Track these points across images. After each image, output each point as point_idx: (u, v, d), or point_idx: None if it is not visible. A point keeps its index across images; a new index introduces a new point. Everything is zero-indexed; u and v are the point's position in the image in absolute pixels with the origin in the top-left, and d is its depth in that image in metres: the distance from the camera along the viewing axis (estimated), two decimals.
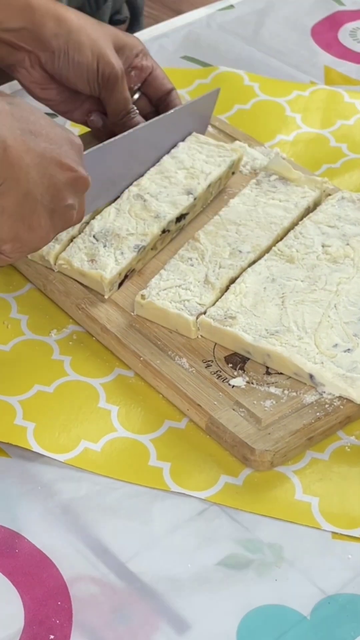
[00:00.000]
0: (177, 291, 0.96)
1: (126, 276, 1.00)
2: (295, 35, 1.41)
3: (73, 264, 0.99)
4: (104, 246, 1.00)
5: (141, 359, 0.93)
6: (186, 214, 1.05)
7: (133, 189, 1.06)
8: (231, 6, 1.46)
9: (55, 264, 1.01)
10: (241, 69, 1.32)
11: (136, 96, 1.14)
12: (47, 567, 0.81)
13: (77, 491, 0.86)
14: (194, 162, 1.09)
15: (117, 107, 1.10)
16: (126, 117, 1.11)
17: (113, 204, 1.04)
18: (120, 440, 0.90)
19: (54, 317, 1.00)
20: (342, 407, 0.90)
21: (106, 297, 0.98)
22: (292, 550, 0.83)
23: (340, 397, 0.90)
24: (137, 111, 1.12)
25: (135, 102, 1.13)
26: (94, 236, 1.01)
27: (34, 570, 0.81)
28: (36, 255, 1.02)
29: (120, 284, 1.00)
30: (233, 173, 1.12)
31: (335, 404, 0.90)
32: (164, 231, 1.03)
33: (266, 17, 1.44)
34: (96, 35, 1.09)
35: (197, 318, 0.95)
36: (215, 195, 1.11)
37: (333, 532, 0.84)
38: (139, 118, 1.11)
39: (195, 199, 1.06)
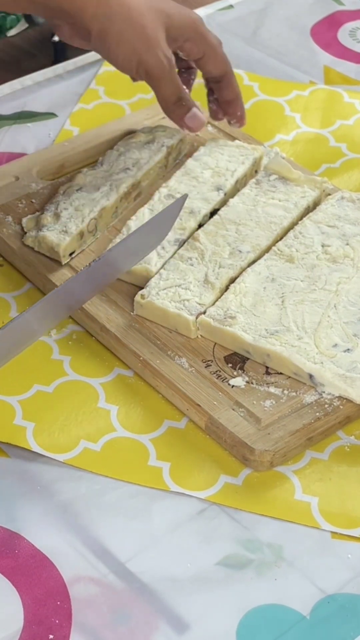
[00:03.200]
0: (176, 291, 0.96)
1: None
2: (295, 35, 1.41)
3: None
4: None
5: (141, 358, 0.93)
6: (218, 209, 1.07)
7: (163, 190, 1.07)
8: (230, 6, 1.46)
9: (63, 257, 1.01)
10: (241, 69, 1.32)
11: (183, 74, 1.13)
12: (46, 567, 0.81)
13: (77, 491, 0.86)
14: (217, 162, 1.11)
15: (165, 98, 1.07)
16: (176, 106, 1.08)
17: (146, 205, 1.06)
18: (120, 440, 0.90)
19: None
20: (341, 407, 0.90)
21: None
22: (291, 550, 0.83)
23: (339, 397, 0.90)
24: (189, 98, 1.08)
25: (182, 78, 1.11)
26: None
27: (34, 570, 0.81)
28: (45, 247, 1.02)
29: None
30: (256, 171, 1.13)
31: (334, 404, 0.90)
32: (199, 225, 1.04)
33: (265, 17, 1.44)
34: (141, 23, 1.03)
35: (196, 318, 0.95)
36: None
37: (332, 532, 0.84)
38: (191, 103, 1.08)
39: (225, 194, 1.07)
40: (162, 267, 0.99)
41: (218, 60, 1.10)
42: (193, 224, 1.04)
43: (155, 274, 0.98)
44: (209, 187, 1.08)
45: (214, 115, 1.15)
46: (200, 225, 1.05)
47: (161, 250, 1.01)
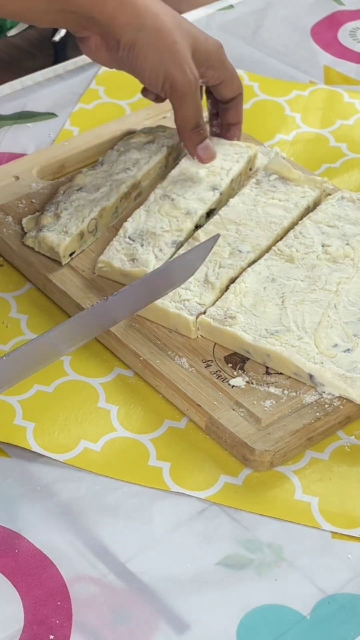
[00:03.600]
0: (176, 291, 0.96)
1: None
2: (295, 35, 1.41)
3: (114, 264, 0.99)
4: (142, 245, 1.01)
5: (141, 358, 0.93)
6: (214, 209, 1.06)
7: (158, 190, 1.07)
8: (231, 6, 1.46)
9: (63, 257, 1.01)
10: (241, 69, 1.32)
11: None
12: (47, 567, 0.81)
13: (77, 491, 0.86)
14: (212, 160, 1.10)
15: (184, 120, 1.06)
16: (193, 132, 1.07)
17: (142, 206, 1.05)
18: (120, 440, 0.90)
19: (53, 317, 1.00)
20: (341, 407, 0.90)
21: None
22: (291, 550, 0.83)
23: (340, 397, 0.90)
24: (206, 127, 1.08)
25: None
26: (129, 237, 1.02)
27: (34, 570, 0.81)
28: (45, 248, 1.02)
29: None
30: (250, 169, 1.13)
31: (335, 404, 0.90)
32: (197, 226, 1.04)
33: (266, 17, 1.44)
34: (172, 38, 1.02)
35: (196, 318, 0.95)
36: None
37: (333, 532, 0.84)
38: (206, 133, 1.08)
39: (221, 193, 1.07)
40: None
41: (235, 84, 1.10)
42: (190, 225, 1.03)
43: None
44: (205, 187, 1.07)
45: (213, 135, 1.15)
46: (197, 227, 1.04)
47: (159, 253, 1.00)
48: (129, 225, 1.03)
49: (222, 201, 1.08)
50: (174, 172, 1.09)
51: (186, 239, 1.03)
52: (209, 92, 1.13)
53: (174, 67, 1.02)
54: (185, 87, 1.04)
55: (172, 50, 1.02)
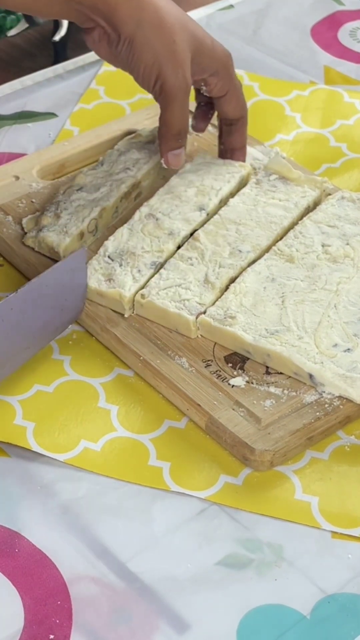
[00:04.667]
0: (177, 290, 0.96)
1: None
2: (295, 35, 1.41)
3: (90, 285, 0.97)
4: (120, 265, 0.99)
5: (141, 358, 0.93)
6: (198, 229, 1.04)
7: (144, 209, 1.04)
8: (231, 6, 1.46)
9: (63, 257, 1.01)
10: (241, 69, 1.32)
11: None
12: (47, 567, 0.81)
13: (77, 491, 0.86)
14: (203, 179, 1.08)
15: (168, 124, 1.04)
16: (173, 137, 1.05)
17: (125, 225, 1.03)
18: (120, 440, 0.90)
19: None
20: (341, 406, 0.90)
21: (126, 315, 0.97)
22: (292, 550, 0.83)
23: (340, 397, 0.90)
24: (186, 137, 1.05)
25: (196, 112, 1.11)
26: (108, 256, 1.00)
27: (34, 570, 0.81)
28: (45, 248, 1.02)
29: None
30: (245, 185, 1.10)
31: (335, 403, 0.90)
32: (179, 247, 1.02)
33: (266, 17, 1.44)
34: (171, 37, 1.00)
35: (197, 317, 0.95)
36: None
37: (333, 532, 0.84)
38: (184, 142, 1.05)
39: (207, 214, 1.05)
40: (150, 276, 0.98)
41: (239, 102, 1.08)
42: (171, 246, 1.01)
43: (128, 298, 0.96)
44: (192, 207, 1.05)
45: (220, 154, 1.13)
46: (179, 247, 1.02)
47: (137, 274, 0.98)
48: (110, 244, 1.01)
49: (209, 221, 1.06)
50: (162, 190, 1.07)
51: (166, 260, 1.00)
52: (212, 107, 1.11)
53: (167, 67, 1.00)
54: (174, 90, 1.01)
55: (169, 50, 1.00)
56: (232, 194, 1.08)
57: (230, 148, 1.11)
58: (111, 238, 1.02)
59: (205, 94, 1.09)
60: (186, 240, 1.03)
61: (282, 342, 0.92)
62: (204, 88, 1.07)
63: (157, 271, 0.99)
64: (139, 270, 0.99)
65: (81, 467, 0.88)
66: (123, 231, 1.03)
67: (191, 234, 1.03)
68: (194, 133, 1.17)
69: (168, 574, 0.81)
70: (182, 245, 1.02)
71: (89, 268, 0.98)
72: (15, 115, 1.26)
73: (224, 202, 1.07)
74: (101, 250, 1.01)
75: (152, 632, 0.77)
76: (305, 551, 0.83)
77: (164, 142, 1.06)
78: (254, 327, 0.93)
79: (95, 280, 0.98)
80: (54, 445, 0.88)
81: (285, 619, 0.78)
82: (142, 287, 0.97)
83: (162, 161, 1.07)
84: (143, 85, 1.03)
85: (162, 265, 1.00)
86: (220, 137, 1.12)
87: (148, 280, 0.98)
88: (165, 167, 1.08)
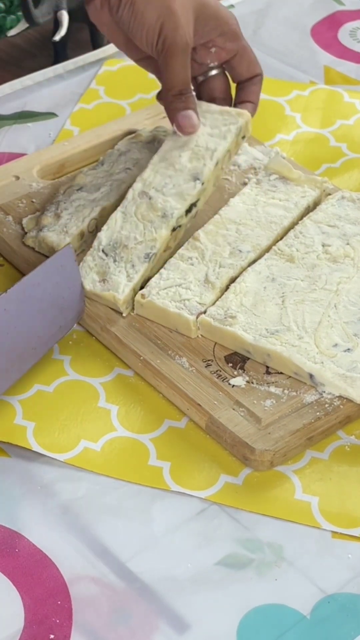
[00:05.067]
0: (177, 290, 0.96)
1: (142, 287, 0.98)
2: (295, 35, 1.41)
3: (85, 286, 0.97)
4: (114, 261, 0.98)
5: (141, 358, 0.93)
6: (196, 201, 1.03)
7: (137, 185, 1.03)
8: (231, 6, 1.46)
9: None
10: None
11: (213, 72, 1.09)
12: (47, 567, 0.81)
13: (77, 491, 0.86)
14: (197, 137, 1.05)
15: (169, 83, 1.04)
16: (176, 98, 1.04)
17: (119, 208, 1.02)
18: (120, 440, 0.90)
19: None
20: (342, 406, 0.90)
21: (124, 315, 0.96)
22: (292, 550, 0.83)
23: (340, 397, 0.90)
24: (194, 96, 1.04)
25: (211, 80, 1.09)
26: (102, 251, 0.99)
27: (34, 570, 0.81)
28: (45, 248, 1.02)
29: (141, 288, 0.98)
30: (244, 137, 1.09)
31: (335, 403, 0.90)
32: (174, 229, 1.01)
33: (266, 17, 1.44)
34: None
35: (197, 317, 0.95)
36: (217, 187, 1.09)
37: (333, 532, 0.84)
38: (191, 103, 1.04)
39: (202, 183, 1.03)
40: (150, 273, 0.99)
41: (252, 60, 1.08)
42: (165, 232, 0.99)
43: (123, 300, 0.96)
44: (186, 177, 1.03)
45: None
46: (174, 229, 1.01)
47: (131, 270, 0.97)
48: (104, 235, 1.00)
49: (207, 189, 1.04)
50: (156, 159, 1.05)
51: (160, 249, 0.99)
52: (223, 75, 1.09)
53: (168, 24, 1.01)
54: (174, 46, 1.02)
55: (170, 8, 1.01)
56: (229, 150, 1.06)
57: (240, 101, 1.10)
58: (104, 227, 1.01)
59: (214, 62, 1.08)
60: (181, 219, 1.01)
61: (282, 342, 0.92)
62: (213, 51, 1.07)
63: (151, 263, 0.98)
64: (133, 265, 0.98)
65: (81, 467, 0.88)
66: (117, 216, 1.01)
67: (187, 212, 1.02)
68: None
69: (168, 574, 0.81)
70: (176, 228, 1.01)
71: (84, 266, 0.98)
72: (15, 115, 1.26)
73: (221, 162, 1.05)
74: (95, 243, 1.00)
75: (152, 632, 0.77)
76: (305, 551, 0.83)
77: (169, 103, 1.05)
78: (254, 327, 0.93)
79: (89, 281, 0.97)
80: (54, 445, 0.88)
81: (285, 619, 0.78)
82: (137, 284, 0.97)
83: (174, 128, 1.05)
84: (146, 46, 1.04)
85: (155, 256, 0.99)
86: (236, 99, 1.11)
87: (143, 275, 0.98)
88: (180, 134, 1.05)
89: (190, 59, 1.05)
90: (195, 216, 1.05)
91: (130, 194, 1.03)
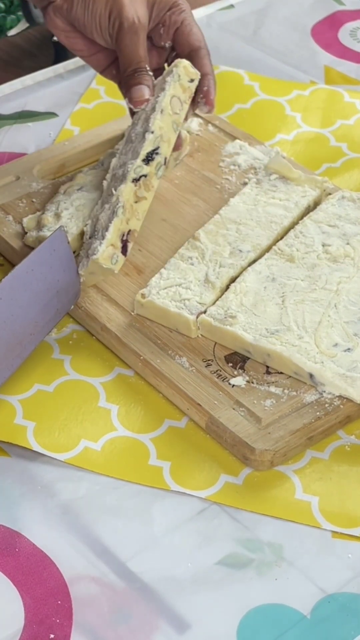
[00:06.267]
0: (177, 290, 0.96)
1: (127, 241, 0.97)
2: (295, 35, 1.41)
3: (79, 272, 0.97)
4: (96, 239, 0.98)
5: (141, 358, 0.93)
6: (156, 149, 1.01)
7: (108, 176, 1.03)
8: (231, 6, 1.46)
9: None
10: (241, 69, 1.32)
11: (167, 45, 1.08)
12: (47, 567, 0.81)
13: (77, 491, 0.86)
14: (143, 104, 1.04)
15: (124, 63, 1.04)
16: (132, 75, 1.04)
17: (99, 202, 1.03)
18: (120, 440, 0.90)
19: None
20: (342, 406, 0.90)
21: (116, 271, 0.96)
22: (292, 550, 0.83)
23: (340, 397, 0.90)
24: (149, 72, 1.04)
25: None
26: (89, 238, 1.00)
27: (34, 569, 0.81)
28: None
29: (125, 250, 0.97)
30: (192, 81, 1.05)
31: (335, 403, 0.90)
32: (135, 180, 0.99)
33: (266, 17, 1.44)
34: None
35: (197, 317, 0.95)
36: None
37: (333, 531, 0.84)
38: (144, 79, 1.04)
39: (153, 132, 1.00)
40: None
41: (194, 32, 1.08)
42: (125, 185, 0.98)
43: (101, 255, 0.95)
44: (140, 139, 1.01)
45: (196, 108, 1.09)
46: (137, 180, 0.99)
47: (105, 232, 0.96)
48: (88, 227, 1.01)
49: (164, 135, 1.01)
50: (121, 147, 1.05)
51: (127, 201, 0.97)
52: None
53: (116, 6, 1.03)
54: (126, 25, 1.03)
55: None
56: (177, 98, 1.04)
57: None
58: (88, 222, 1.02)
59: (167, 42, 1.08)
60: (141, 171, 0.99)
61: (283, 342, 0.92)
62: (162, 31, 1.07)
63: (121, 216, 0.97)
64: (107, 228, 0.97)
65: (81, 466, 0.88)
66: (96, 207, 1.02)
67: (148, 161, 1.00)
68: (194, 132, 1.17)
69: (168, 574, 0.81)
70: (140, 178, 0.99)
71: (79, 259, 0.99)
72: (15, 114, 1.26)
73: (171, 110, 1.03)
74: (85, 237, 1.01)
75: (152, 632, 0.77)
76: (305, 551, 0.83)
77: (123, 81, 1.05)
78: (254, 327, 0.93)
79: (81, 266, 0.97)
80: (54, 445, 0.88)
81: (285, 618, 0.78)
82: (113, 238, 0.96)
83: (126, 102, 1.05)
84: (102, 36, 1.05)
85: (124, 208, 0.97)
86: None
87: (119, 229, 0.96)
88: (131, 107, 1.04)
89: (151, 46, 1.07)
90: (166, 163, 1.02)
91: (104, 184, 1.03)
